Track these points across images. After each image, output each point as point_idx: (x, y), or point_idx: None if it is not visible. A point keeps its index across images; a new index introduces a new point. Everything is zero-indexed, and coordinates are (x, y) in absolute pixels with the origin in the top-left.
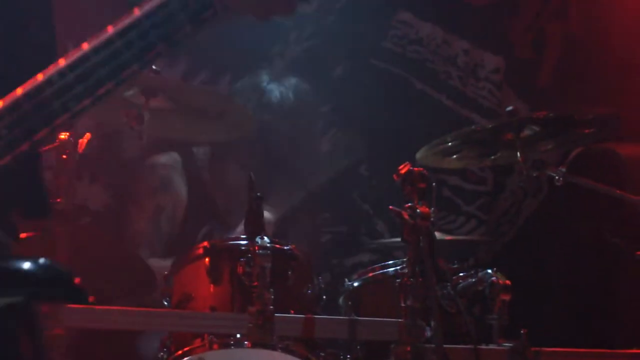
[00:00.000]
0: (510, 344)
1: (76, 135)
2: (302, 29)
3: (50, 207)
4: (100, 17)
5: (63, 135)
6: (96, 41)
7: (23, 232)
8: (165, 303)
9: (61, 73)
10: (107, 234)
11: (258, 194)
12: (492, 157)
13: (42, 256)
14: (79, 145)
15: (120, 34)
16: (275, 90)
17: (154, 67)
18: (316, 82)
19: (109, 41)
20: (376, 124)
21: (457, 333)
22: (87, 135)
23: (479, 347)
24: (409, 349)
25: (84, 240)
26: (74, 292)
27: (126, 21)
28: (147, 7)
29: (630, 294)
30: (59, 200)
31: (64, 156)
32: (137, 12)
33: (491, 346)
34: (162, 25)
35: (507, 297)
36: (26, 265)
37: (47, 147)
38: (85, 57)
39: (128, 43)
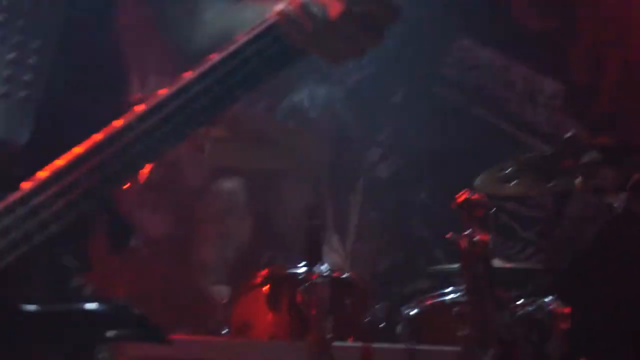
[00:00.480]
0: None
1: None
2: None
3: (134, 232)
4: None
5: None
6: (174, 87)
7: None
8: (225, 331)
9: (141, 118)
10: (168, 264)
11: (317, 222)
12: (551, 183)
13: (114, 296)
14: (140, 176)
15: (198, 80)
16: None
17: None
18: (374, 108)
19: (187, 87)
20: (435, 150)
21: None
22: (148, 165)
23: None
24: None
25: (145, 269)
26: (150, 332)
27: (204, 66)
28: (224, 53)
29: None
30: None
31: (125, 186)
32: (214, 58)
33: None
34: (238, 70)
35: (566, 326)
36: (104, 307)
37: None
38: (164, 102)
39: (206, 88)
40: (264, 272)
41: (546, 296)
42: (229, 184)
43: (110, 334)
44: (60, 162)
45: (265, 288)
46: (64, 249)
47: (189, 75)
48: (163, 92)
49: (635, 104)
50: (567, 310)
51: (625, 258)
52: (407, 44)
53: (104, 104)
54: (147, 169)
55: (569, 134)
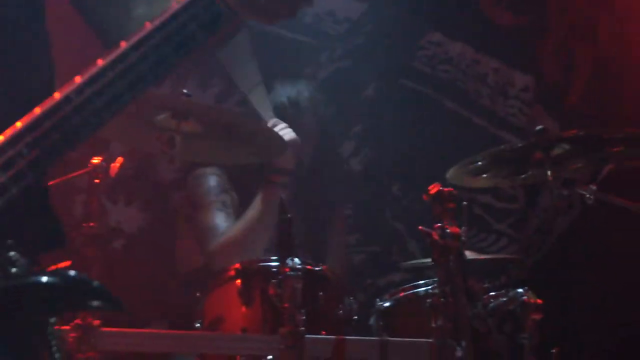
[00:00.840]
0: None
1: (108, 160)
2: (333, 50)
3: (64, 237)
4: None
5: (95, 160)
6: (111, 56)
7: (54, 263)
8: (197, 325)
9: (79, 90)
10: (143, 257)
11: (288, 215)
12: (522, 176)
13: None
14: (111, 170)
15: (134, 48)
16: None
17: (185, 90)
18: (347, 102)
19: (124, 55)
20: (407, 144)
21: (488, 353)
22: (120, 159)
23: None
24: None
25: (119, 263)
26: (107, 300)
27: (139, 35)
28: (158, 20)
29: None
30: (92, 224)
31: (97, 180)
32: (149, 26)
33: None
34: (174, 36)
35: (538, 317)
36: (55, 277)
37: (79, 172)
38: (101, 73)
39: (142, 56)
40: (236, 265)
41: (519, 287)
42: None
43: (67, 303)
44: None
45: (238, 281)
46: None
47: (124, 44)
48: (100, 61)
49: (605, 98)
50: (539, 301)
51: (597, 249)
52: (379, 38)
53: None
54: (118, 163)
55: (539, 127)
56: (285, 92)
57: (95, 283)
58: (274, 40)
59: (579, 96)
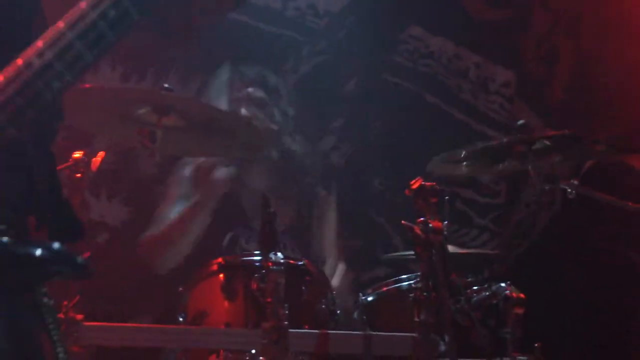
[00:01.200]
0: (525, 358)
1: (90, 154)
2: (314, 45)
3: (83, 229)
4: None
5: (77, 154)
6: (71, 17)
7: None
8: (181, 319)
9: (40, 53)
10: (126, 251)
11: (271, 210)
12: (504, 168)
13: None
14: (92, 164)
15: (94, 6)
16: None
17: (166, 85)
18: (328, 96)
19: (84, 15)
20: (389, 138)
21: (471, 347)
22: (101, 153)
23: None
24: None
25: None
26: (77, 267)
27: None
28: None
29: None
30: None
31: (78, 175)
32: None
33: None
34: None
35: (521, 311)
36: (33, 247)
37: (61, 167)
38: (62, 34)
39: (103, 13)
40: (219, 260)
41: (501, 282)
42: (188, 171)
43: (46, 272)
44: None
45: (221, 276)
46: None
47: (84, 4)
48: (60, 23)
49: (586, 92)
50: (522, 295)
51: (579, 244)
52: (360, 32)
53: None
54: (99, 157)
55: (521, 122)
56: (252, 73)
57: (73, 253)
58: (255, 35)
59: (561, 91)
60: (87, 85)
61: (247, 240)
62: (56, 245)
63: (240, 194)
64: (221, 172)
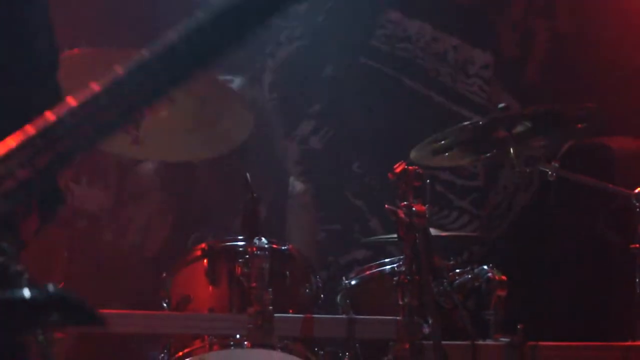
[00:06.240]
0: (507, 339)
1: None
2: (293, 29)
3: (63, 195)
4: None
5: None
6: (106, 81)
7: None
8: (165, 305)
9: (73, 111)
10: (106, 237)
11: (254, 194)
12: (486, 154)
13: (48, 280)
14: None
15: (130, 74)
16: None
17: None
18: (306, 81)
19: (119, 81)
20: (367, 122)
21: (454, 329)
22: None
23: (476, 342)
24: (407, 346)
25: (82, 243)
26: (87, 317)
27: (136, 60)
28: (154, 48)
29: (624, 287)
30: None
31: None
32: (145, 54)
33: (488, 341)
34: (171, 66)
35: (503, 293)
36: (34, 293)
37: None
38: (95, 97)
39: (139, 83)
40: (203, 245)
41: (482, 264)
42: (147, 166)
43: (45, 319)
44: None
45: (204, 261)
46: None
47: (119, 69)
48: (94, 86)
49: (564, 74)
50: (504, 278)
51: (558, 225)
52: (338, 16)
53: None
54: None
55: (501, 105)
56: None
57: (75, 297)
58: None
59: (537, 73)
60: (76, 50)
61: (214, 237)
62: (51, 287)
63: (201, 189)
64: (145, 165)
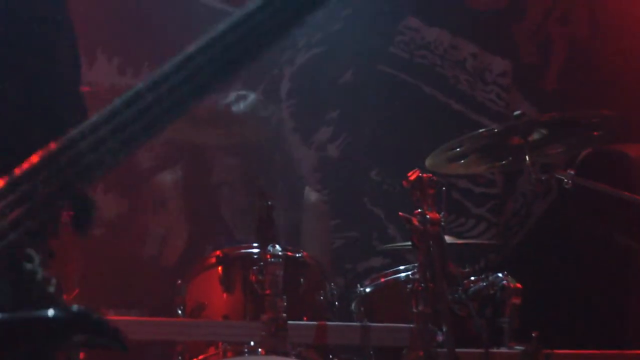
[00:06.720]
0: (522, 347)
1: None
2: (311, 36)
3: (96, 214)
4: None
5: None
6: (126, 95)
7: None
8: (180, 312)
9: (94, 127)
10: (122, 244)
11: (269, 202)
12: (501, 162)
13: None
14: None
15: (150, 88)
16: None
17: None
18: (324, 88)
19: (139, 95)
20: (385, 129)
21: (468, 337)
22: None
23: (490, 350)
24: (421, 354)
25: (99, 250)
26: (109, 339)
27: (155, 75)
28: (173, 62)
29: None
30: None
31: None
32: (166, 67)
33: (503, 349)
34: (190, 80)
35: (518, 301)
36: (58, 313)
37: None
38: (117, 111)
39: (158, 98)
40: (218, 252)
41: (499, 272)
42: (166, 176)
43: (69, 340)
44: (16, 171)
45: (219, 268)
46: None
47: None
48: (116, 100)
49: (582, 81)
50: (519, 285)
51: (575, 233)
52: (356, 23)
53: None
54: None
55: (517, 112)
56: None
57: (97, 317)
58: None
59: (556, 80)
60: (85, 89)
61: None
62: (76, 306)
63: (220, 203)
64: (163, 177)
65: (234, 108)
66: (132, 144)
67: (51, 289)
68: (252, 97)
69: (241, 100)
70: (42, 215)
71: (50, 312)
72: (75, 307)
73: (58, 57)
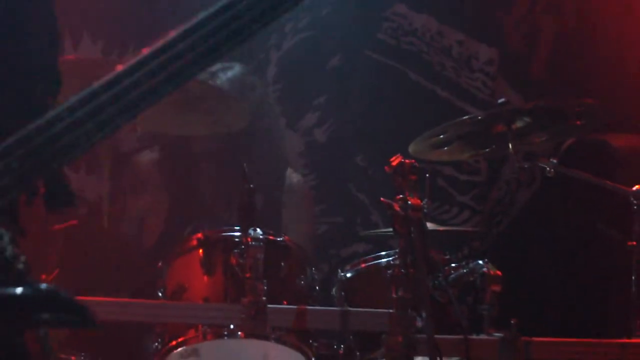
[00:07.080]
0: (501, 334)
1: None
2: (298, 21)
3: (74, 196)
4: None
5: None
6: (105, 79)
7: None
8: (160, 294)
9: (71, 108)
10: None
11: (251, 185)
12: (485, 149)
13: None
14: None
15: (128, 73)
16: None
17: None
18: (311, 73)
19: (117, 79)
20: (372, 115)
21: (448, 323)
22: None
23: (469, 337)
24: (400, 339)
25: (79, 231)
26: (79, 319)
27: (135, 60)
28: (154, 47)
29: (621, 284)
30: None
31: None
32: (145, 52)
33: (482, 336)
34: (168, 64)
35: (497, 288)
36: (25, 291)
37: None
38: (94, 94)
39: (136, 81)
40: (199, 235)
41: (479, 259)
42: (146, 156)
43: (37, 319)
44: None
45: (200, 251)
46: None
47: (119, 67)
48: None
49: (569, 70)
50: (499, 273)
51: (558, 221)
52: (344, 9)
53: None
54: None
55: (501, 100)
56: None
57: (66, 295)
58: None
59: (542, 69)
60: (70, 57)
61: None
62: (44, 285)
63: (199, 181)
64: (144, 156)
65: (218, 81)
66: (109, 126)
67: (20, 266)
68: (237, 67)
69: (227, 70)
70: (13, 194)
71: (18, 289)
72: (43, 285)
73: (33, 32)
